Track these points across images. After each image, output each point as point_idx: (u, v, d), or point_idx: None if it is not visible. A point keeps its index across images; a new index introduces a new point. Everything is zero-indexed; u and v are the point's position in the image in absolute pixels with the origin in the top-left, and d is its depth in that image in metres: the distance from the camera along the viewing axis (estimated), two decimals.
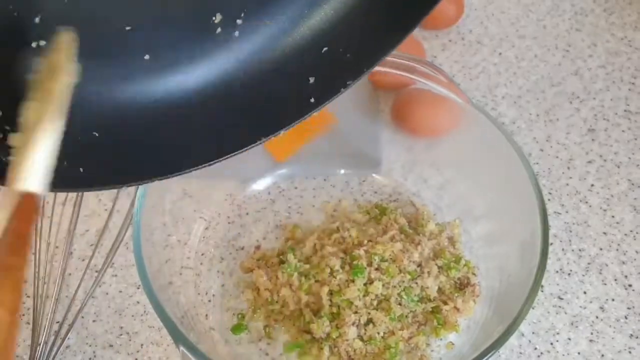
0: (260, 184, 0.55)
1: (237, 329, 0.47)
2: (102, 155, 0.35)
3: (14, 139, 0.29)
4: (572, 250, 0.52)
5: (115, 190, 0.54)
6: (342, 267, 0.46)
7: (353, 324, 0.44)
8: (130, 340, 0.47)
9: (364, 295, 0.45)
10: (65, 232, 0.51)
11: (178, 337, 0.38)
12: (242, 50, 0.37)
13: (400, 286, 0.46)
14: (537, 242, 0.42)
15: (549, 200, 0.55)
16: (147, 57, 0.35)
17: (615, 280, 0.50)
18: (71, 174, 0.32)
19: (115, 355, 0.46)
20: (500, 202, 0.49)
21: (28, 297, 0.49)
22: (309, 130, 0.57)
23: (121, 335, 0.47)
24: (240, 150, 0.36)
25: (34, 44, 0.31)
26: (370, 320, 0.45)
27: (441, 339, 0.46)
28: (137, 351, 0.47)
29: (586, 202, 0.55)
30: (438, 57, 0.65)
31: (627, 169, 0.57)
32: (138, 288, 0.50)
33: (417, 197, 0.54)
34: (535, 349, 0.47)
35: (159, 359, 0.46)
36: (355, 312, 0.45)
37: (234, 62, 0.37)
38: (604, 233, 0.53)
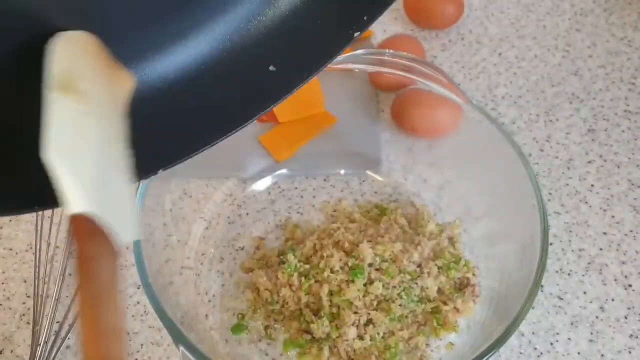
0: (260, 184, 0.55)
1: (237, 329, 0.47)
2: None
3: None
4: (572, 250, 0.52)
5: None
6: (342, 267, 0.46)
7: (353, 324, 0.44)
8: (130, 340, 0.47)
9: (363, 296, 0.45)
10: (65, 232, 0.51)
11: (178, 337, 0.38)
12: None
13: (400, 286, 0.46)
14: (537, 242, 0.42)
15: (549, 200, 0.55)
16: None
17: (615, 280, 0.50)
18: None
19: None
20: (500, 202, 0.49)
21: (28, 297, 0.49)
22: (309, 130, 0.57)
23: None
24: (242, 126, 0.35)
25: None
26: (370, 321, 0.45)
27: (441, 339, 0.46)
28: (137, 351, 0.47)
29: (586, 202, 0.55)
30: (438, 57, 0.65)
31: (627, 169, 0.57)
32: (138, 288, 0.50)
33: (417, 197, 0.54)
34: (535, 349, 0.47)
35: (159, 359, 0.46)
36: (355, 313, 0.45)
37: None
38: (604, 233, 0.53)
